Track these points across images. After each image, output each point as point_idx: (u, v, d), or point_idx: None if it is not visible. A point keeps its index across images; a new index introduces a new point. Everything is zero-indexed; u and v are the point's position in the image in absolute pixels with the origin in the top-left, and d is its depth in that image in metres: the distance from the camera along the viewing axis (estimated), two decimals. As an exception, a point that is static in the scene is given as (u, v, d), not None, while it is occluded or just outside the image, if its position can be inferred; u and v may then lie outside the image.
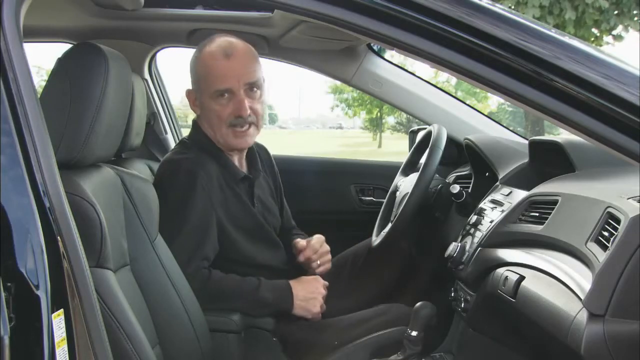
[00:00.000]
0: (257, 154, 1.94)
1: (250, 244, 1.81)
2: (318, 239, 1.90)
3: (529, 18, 1.03)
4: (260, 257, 1.82)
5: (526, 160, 1.80)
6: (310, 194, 2.50)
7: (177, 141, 2.54)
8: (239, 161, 1.87)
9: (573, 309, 1.07)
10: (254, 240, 1.82)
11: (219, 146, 1.82)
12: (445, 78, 18.71)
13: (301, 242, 1.89)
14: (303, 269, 1.89)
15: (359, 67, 2.33)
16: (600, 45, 11.21)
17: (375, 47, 2.35)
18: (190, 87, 1.84)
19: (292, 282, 1.77)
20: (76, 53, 1.32)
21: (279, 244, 1.91)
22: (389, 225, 1.99)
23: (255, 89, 1.77)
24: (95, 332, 0.96)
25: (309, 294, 1.76)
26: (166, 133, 2.52)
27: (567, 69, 0.93)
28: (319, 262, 1.87)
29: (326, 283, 1.82)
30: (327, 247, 1.90)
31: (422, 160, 2.00)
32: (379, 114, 26.75)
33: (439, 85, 2.59)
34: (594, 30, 11.33)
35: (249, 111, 1.75)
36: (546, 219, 1.35)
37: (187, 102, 1.87)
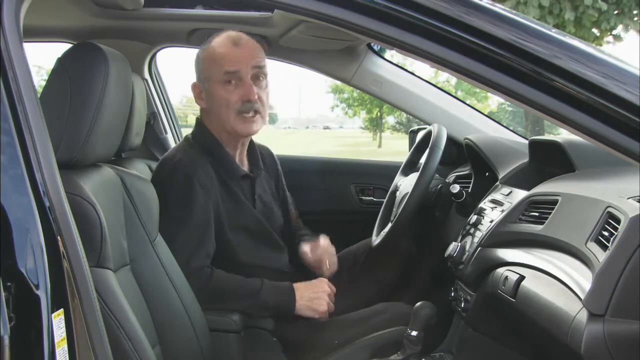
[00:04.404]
0: (259, 153, 1.94)
1: (251, 245, 1.80)
2: (325, 239, 1.91)
3: (528, 17, 1.03)
4: (262, 258, 1.82)
5: (526, 160, 1.80)
6: (310, 194, 2.50)
7: (177, 141, 2.55)
8: (239, 158, 1.86)
9: (573, 308, 1.07)
10: (255, 241, 1.82)
11: (221, 142, 1.82)
12: (445, 78, 18.75)
13: (309, 243, 1.90)
14: (307, 272, 1.88)
15: (359, 67, 2.33)
16: (600, 45, 11.20)
17: (375, 47, 2.36)
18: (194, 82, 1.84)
19: (296, 284, 1.76)
20: (76, 53, 1.32)
21: (281, 246, 1.90)
22: (389, 225, 1.98)
23: (261, 77, 1.79)
24: (95, 332, 0.96)
25: (313, 294, 1.75)
26: (166, 133, 2.52)
27: (567, 68, 0.93)
28: (328, 263, 1.87)
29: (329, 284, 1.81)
30: (333, 249, 1.91)
31: (422, 160, 2.00)
32: (379, 114, 26.79)
33: (439, 85, 2.59)
34: (594, 31, 11.32)
35: (256, 96, 1.76)
36: (546, 218, 1.35)
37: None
